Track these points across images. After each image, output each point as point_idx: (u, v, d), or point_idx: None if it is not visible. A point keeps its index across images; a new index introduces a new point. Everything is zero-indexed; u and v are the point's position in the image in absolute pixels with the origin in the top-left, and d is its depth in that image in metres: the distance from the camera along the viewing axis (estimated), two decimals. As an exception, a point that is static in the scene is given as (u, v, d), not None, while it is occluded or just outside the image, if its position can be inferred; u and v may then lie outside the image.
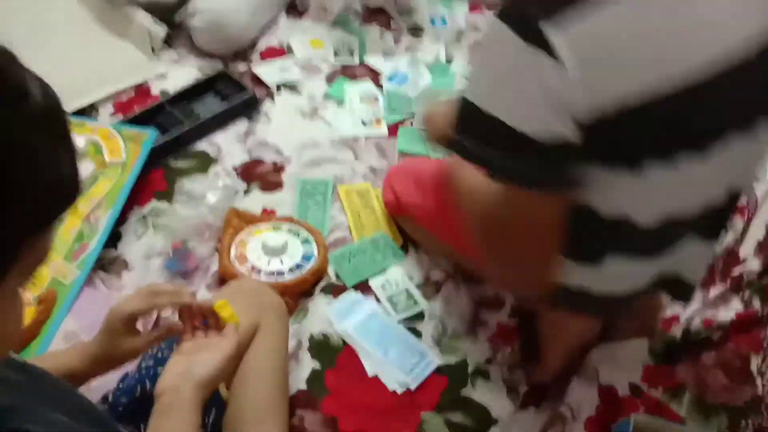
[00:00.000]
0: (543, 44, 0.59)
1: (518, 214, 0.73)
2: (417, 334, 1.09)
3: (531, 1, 0.62)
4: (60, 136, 0.35)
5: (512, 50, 0.62)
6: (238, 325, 0.75)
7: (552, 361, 1.02)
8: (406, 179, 1.17)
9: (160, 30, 1.51)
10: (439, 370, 1.04)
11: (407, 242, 1.22)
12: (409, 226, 1.21)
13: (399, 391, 1.01)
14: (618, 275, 0.80)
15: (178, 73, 1.48)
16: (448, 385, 1.02)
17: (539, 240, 0.75)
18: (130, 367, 0.91)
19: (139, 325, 0.75)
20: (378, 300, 1.12)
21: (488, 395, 1.02)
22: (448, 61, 1.61)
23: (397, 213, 1.22)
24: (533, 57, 0.60)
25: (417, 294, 1.14)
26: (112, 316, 0.73)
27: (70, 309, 1.05)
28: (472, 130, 0.71)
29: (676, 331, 1.12)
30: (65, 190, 0.34)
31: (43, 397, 0.53)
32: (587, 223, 0.73)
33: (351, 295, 1.12)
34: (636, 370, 1.07)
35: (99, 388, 0.92)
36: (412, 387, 1.01)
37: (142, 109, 1.36)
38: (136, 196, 1.21)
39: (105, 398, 0.85)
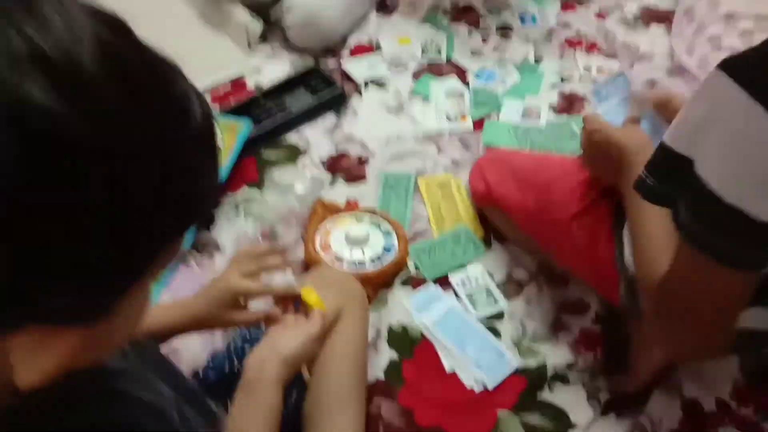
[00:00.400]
0: None
1: (703, 281, 0.66)
2: (496, 333, 1.08)
3: None
4: (212, 151, 0.35)
5: (757, 124, 0.57)
6: (324, 312, 0.78)
7: (642, 373, 0.99)
8: (501, 170, 1.15)
9: (257, 26, 1.57)
10: (517, 371, 1.03)
11: (489, 237, 1.21)
12: (497, 218, 1.19)
13: (476, 389, 1.01)
14: None
15: (271, 68, 1.54)
16: (526, 386, 1.01)
17: (720, 307, 0.69)
18: (220, 345, 0.96)
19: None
20: (457, 295, 1.12)
21: (567, 400, 1.00)
22: (537, 60, 1.59)
23: (485, 203, 1.20)
24: None
25: (497, 293, 1.13)
26: (223, 287, 0.77)
27: (166, 284, 1.12)
28: (669, 179, 0.67)
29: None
30: (211, 200, 0.36)
31: (149, 366, 0.57)
32: None
33: (430, 289, 1.13)
34: (724, 387, 1.03)
35: (189, 364, 0.98)
36: (490, 386, 1.01)
37: (238, 102, 1.42)
38: (230, 183, 1.27)
39: (195, 374, 0.90)
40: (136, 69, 0.31)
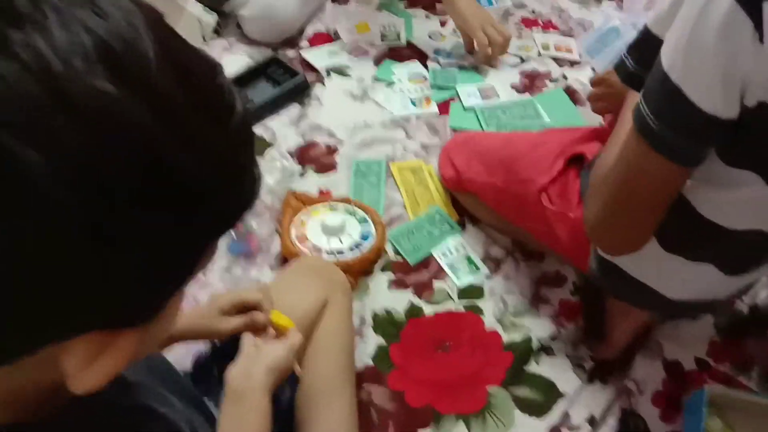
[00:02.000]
0: (754, 13, 0.57)
1: (642, 168, 0.70)
2: (478, 311, 1.09)
3: None
4: (252, 146, 0.35)
5: (722, 6, 0.59)
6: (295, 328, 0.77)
7: (618, 338, 1.02)
8: (468, 154, 1.17)
9: (211, 19, 1.53)
10: (503, 347, 1.04)
11: (463, 218, 1.22)
12: (469, 202, 1.20)
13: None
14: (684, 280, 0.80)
15: (229, 61, 1.50)
16: (513, 361, 1.02)
17: (654, 199, 0.73)
18: (203, 348, 0.94)
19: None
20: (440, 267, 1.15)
21: (554, 371, 1.02)
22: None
23: (457, 188, 1.21)
24: (737, 19, 0.58)
25: (478, 261, 1.15)
26: (223, 297, 0.77)
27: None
28: (643, 60, 0.71)
29: (743, 307, 1.11)
30: (252, 196, 0.35)
31: (157, 376, 0.55)
32: (690, 223, 0.73)
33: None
34: (701, 345, 1.06)
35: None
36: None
37: (197, 96, 1.38)
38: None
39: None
40: (190, 62, 0.30)
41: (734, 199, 0.71)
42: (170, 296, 0.33)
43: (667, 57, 0.64)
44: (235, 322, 0.76)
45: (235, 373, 0.70)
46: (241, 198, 0.34)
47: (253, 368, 0.69)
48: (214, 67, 0.32)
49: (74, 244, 0.26)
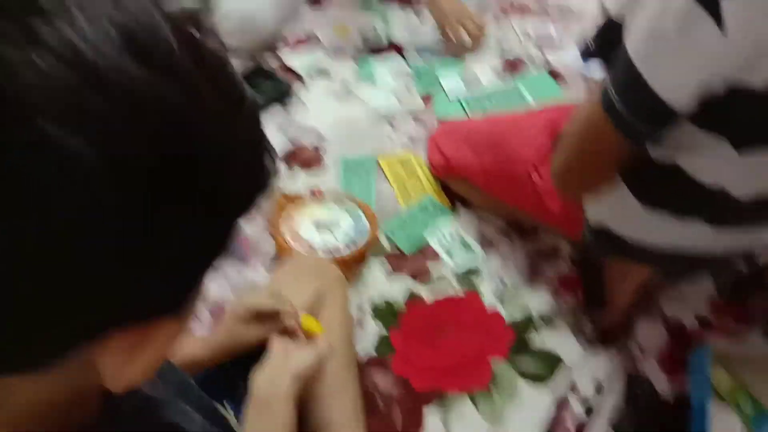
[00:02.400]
0: (713, 9, 0.59)
1: (599, 139, 0.75)
2: (477, 292, 1.09)
3: None
4: (263, 131, 0.36)
5: (679, 3, 0.60)
6: (324, 333, 0.77)
7: (619, 302, 1.01)
8: (456, 139, 1.17)
9: (190, 34, 1.55)
10: (505, 323, 1.04)
11: (455, 204, 1.22)
12: (460, 187, 1.21)
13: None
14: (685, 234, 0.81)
15: (212, 73, 1.52)
16: (515, 336, 1.02)
17: (601, 165, 0.78)
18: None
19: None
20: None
21: (557, 342, 1.01)
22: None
23: (447, 174, 1.22)
24: (697, 15, 0.59)
25: (472, 242, 1.15)
26: (238, 306, 0.77)
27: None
28: (607, 45, 0.74)
29: (742, 265, 1.10)
30: (273, 171, 0.35)
31: (177, 390, 0.55)
32: (680, 186, 0.75)
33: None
34: (702, 305, 1.06)
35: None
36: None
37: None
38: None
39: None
40: (204, 50, 0.31)
41: (705, 156, 0.72)
42: (202, 279, 0.33)
43: (631, 43, 0.67)
44: (264, 328, 0.76)
45: (260, 380, 0.69)
46: (263, 174, 0.35)
47: (278, 376, 0.69)
48: (223, 57, 0.33)
49: (117, 229, 0.26)
